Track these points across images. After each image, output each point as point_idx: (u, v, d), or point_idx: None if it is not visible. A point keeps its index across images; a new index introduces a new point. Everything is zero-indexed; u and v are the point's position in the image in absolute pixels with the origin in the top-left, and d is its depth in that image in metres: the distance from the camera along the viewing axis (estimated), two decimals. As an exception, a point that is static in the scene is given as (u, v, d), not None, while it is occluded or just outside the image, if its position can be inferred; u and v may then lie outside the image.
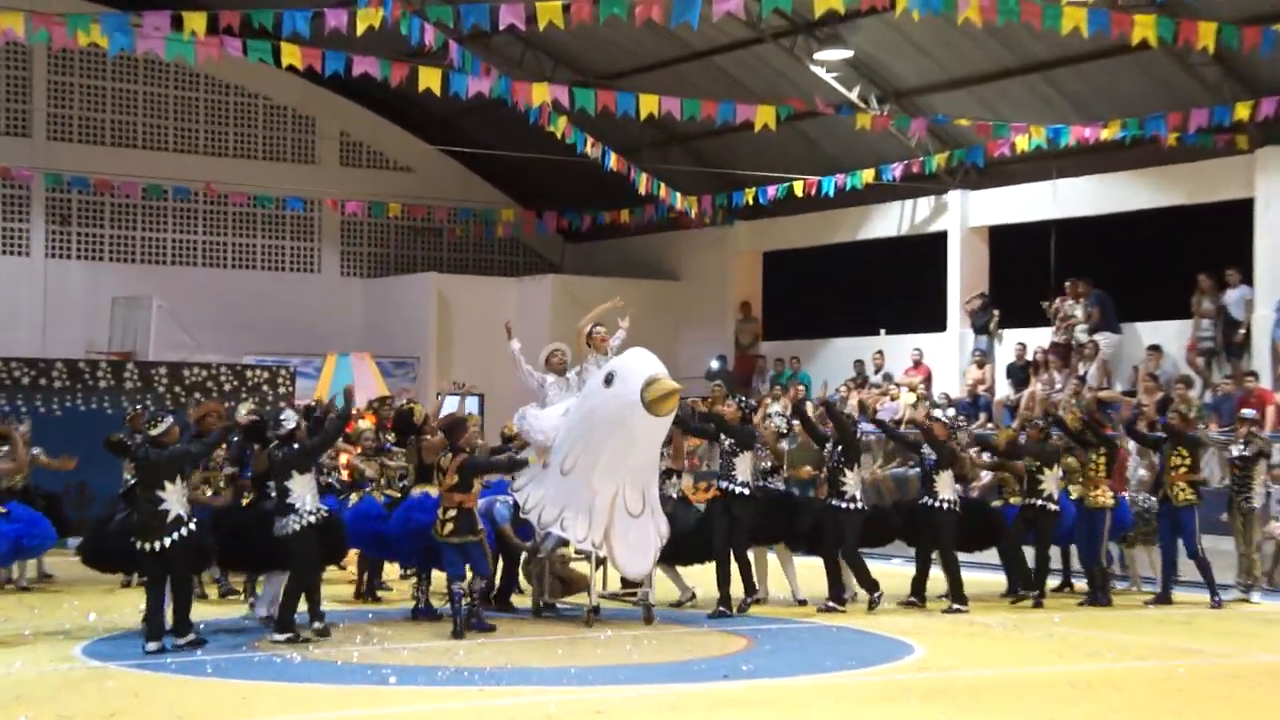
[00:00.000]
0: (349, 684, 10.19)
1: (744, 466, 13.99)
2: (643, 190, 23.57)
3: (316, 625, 12.00)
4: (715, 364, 25.84)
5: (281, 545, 11.93)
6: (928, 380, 23.11)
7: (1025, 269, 23.41)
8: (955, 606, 14.22)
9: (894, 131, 22.39)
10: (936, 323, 23.86)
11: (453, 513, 12.57)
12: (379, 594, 14.85)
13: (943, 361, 23.46)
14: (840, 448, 14.26)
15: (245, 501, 12.91)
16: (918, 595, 14.69)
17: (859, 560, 14.36)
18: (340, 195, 27.10)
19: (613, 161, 22.60)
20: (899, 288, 25.72)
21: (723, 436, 14.16)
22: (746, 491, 13.94)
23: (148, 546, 11.41)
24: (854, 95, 22.21)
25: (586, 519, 13.00)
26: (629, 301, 27.83)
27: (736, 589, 13.94)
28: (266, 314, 27.25)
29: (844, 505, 14.12)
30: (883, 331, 24.89)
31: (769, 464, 14.74)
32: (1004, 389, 22.20)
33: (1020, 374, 21.90)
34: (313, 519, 11.87)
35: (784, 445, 15.00)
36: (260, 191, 26.87)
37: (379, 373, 23.89)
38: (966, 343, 23.23)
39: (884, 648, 12.12)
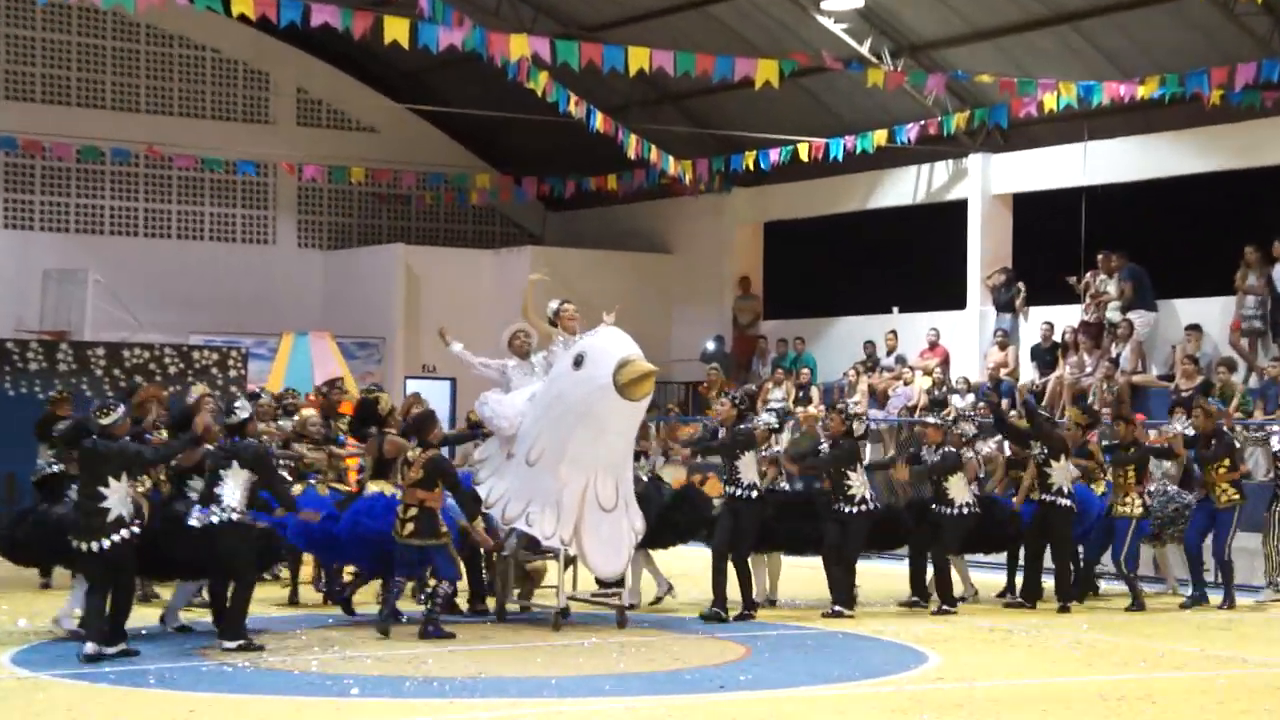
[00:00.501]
0: (307, 695, 10.22)
1: (748, 469, 14.09)
2: (632, 154, 23.56)
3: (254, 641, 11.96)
4: (711, 345, 25.87)
5: (204, 540, 11.89)
6: (945, 363, 23.16)
7: (1053, 240, 23.43)
8: (945, 608, 14.56)
9: (909, 89, 22.40)
10: (955, 300, 23.90)
11: (414, 511, 12.66)
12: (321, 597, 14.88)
13: (962, 342, 23.50)
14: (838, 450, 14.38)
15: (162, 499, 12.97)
16: (919, 593, 14.95)
17: (851, 566, 14.47)
18: (297, 158, 27.07)
19: (599, 122, 22.58)
20: (914, 261, 25.75)
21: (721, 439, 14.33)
22: (755, 494, 14.06)
23: (85, 547, 11.46)
24: (865, 49, 22.22)
25: (554, 514, 13.09)
26: (618, 276, 27.97)
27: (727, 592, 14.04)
28: (215, 289, 27.23)
29: (851, 510, 14.25)
30: (895, 310, 24.93)
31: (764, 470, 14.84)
32: (1029, 372, 22.25)
33: (1047, 356, 21.95)
34: (233, 515, 11.89)
35: (776, 449, 15.11)
36: (208, 154, 26.83)
37: (340, 354, 23.88)
38: (988, 322, 23.28)
39: (895, 656, 12.17)
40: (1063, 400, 20.63)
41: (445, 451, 13.91)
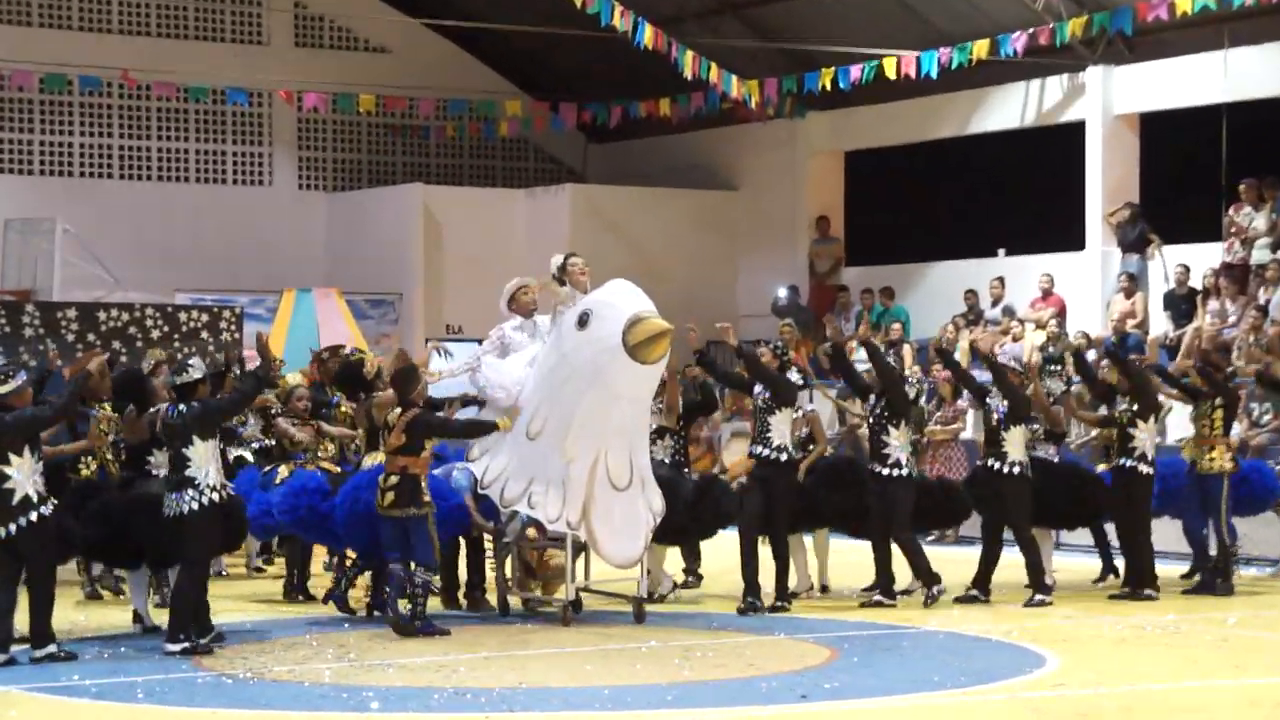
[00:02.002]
0: (319, 710, 10.29)
1: (782, 428, 14.20)
2: (688, 73, 23.47)
3: (200, 641, 12.16)
4: (784, 296, 25.82)
5: (173, 529, 12.11)
6: (1061, 314, 23.03)
7: (1188, 168, 23.22)
8: (1039, 598, 14.59)
9: (1015, -10, 22.26)
10: (1072, 240, 23.76)
11: (394, 479, 12.87)
12: (310, 591, 15.12)
13: (1080, 290, 23.38)
14: (884, 400, 14.50)
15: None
16: (981, 588, 14.95)
17: (912, 543, 14.63)
18: (296, 85, 27.11)
19: (648, 36, 22.51)
20: (1022, 196, 25.60)
21: (757, 388, 14.33)
22: (784, 458, 14.17)
23: None
24: (962, -56, 22.07)
25: (560, 494, 13.23)
26: (673, 218, 27.89)
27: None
28: (204, 240, 27.34)
29: (888, 472, 14.37)
30: (1002, 252, 24.82)
31: (807, 430, 14.98)
32: (1161, 323, 22.11)
33: (1182, 305, 21.80)
34: (216, 496, 12.11)
35: (806, 409, 15.17)
36: (193, 81, 26.90)
37: (350, 314, 23.97)
38: (1111, 265, 23.14)
39: (1007, 658, 12.14)
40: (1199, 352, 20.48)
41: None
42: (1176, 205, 23.05)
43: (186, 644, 12.06)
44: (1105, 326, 22.41)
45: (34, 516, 11.68)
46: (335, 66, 28.38)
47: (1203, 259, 21.98)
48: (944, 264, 25.50)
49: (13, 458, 11.68)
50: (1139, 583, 15.10)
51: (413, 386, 13.15)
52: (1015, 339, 22.65)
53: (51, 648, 11.79)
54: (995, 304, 23.81)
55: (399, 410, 13.09)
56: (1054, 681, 11.30)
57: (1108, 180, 23.35)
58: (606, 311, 13.04)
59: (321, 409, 15.32)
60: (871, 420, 14.64)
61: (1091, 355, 21.19)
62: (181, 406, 12.30)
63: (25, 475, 11.70)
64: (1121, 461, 15.12)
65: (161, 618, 12.98)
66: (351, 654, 12.17)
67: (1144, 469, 15.06)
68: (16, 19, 26.88)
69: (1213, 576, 15.39)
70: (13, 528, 11.64)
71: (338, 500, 13.71)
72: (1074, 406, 15.95)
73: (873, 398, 14.72)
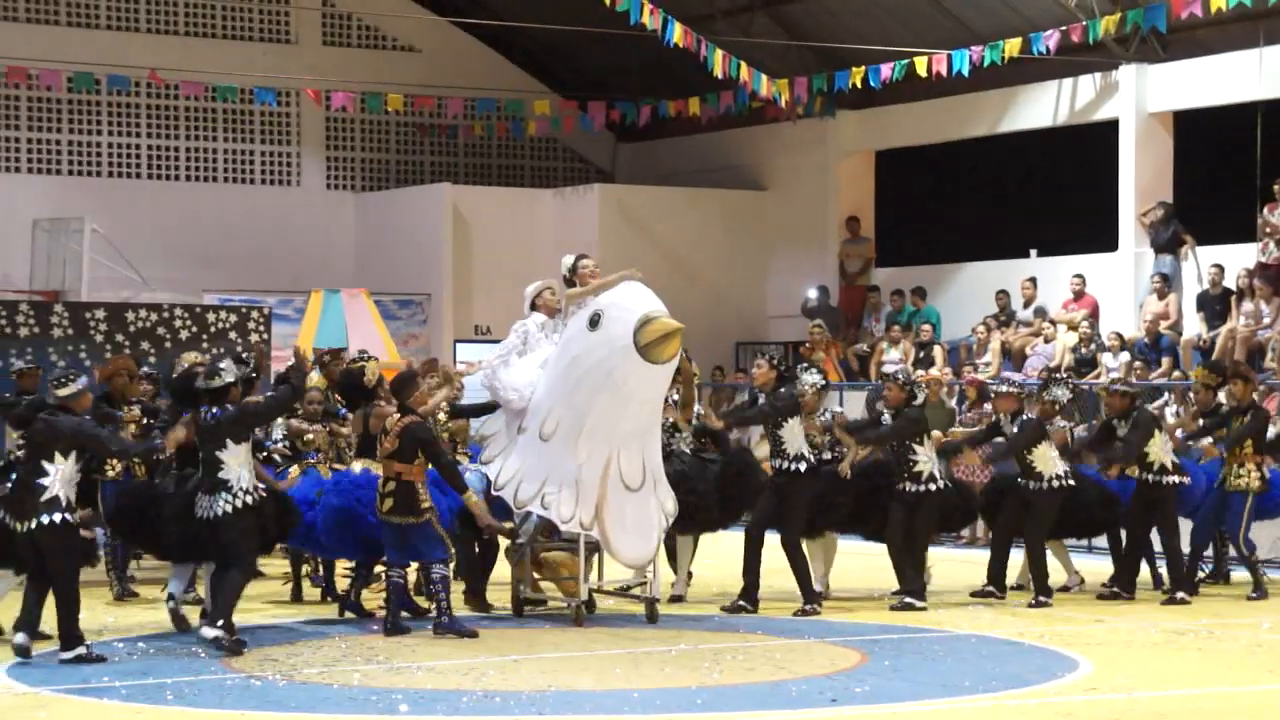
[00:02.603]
0: (348, 713, 10.33)
1: (794, 438, 14.33)
2: (718, 72, 23.47)
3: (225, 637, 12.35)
4: (814, 297, 25.81)
5: (209, 531, 12.40)
6: (1093, 315, 22.99)
7: (1222, 167, 23.15)
8: (1040, 599, 14.85)
9: (1047, -11, 22.22)
10: (1105, 240, 23.71)
11: (391, 485, 13.04)
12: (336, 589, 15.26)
13: (1113, 291, 23.32)
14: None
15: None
16: (997, 585, 15.19)
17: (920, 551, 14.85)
18: (325, 84, 27.18)
19: (678, 35, 22.51)
20: (1055, 196, 25.55)
21: (761, 399, 14.59)
22: (804, 467, 14.31)
23: (19, 527, 11.93)
24: (994, -58, 22.03)
25: (573, 495, 13.38)
26: (702, 218, 28.00)
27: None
28: (231, 240, 27.41)
29: (918, 489, 14.57)
30: (1033, 253, 24.77)
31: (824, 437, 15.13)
32: (1194, 325, 22.05)
33: (1216, 306, 21.74)
34: (249, 499, 12.39)
35: (826, 417, 15.25)
36: (221, 80, 26.97)
37: (378, 314, 24.00)
38: (1144, 266, 23.08)
39: (1039, 662, 12.15)
40: (1235, 357, 20.42)
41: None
42: (1210, 205, 22.97)
43: (222, 632, 12.26)
44: (1138, 328, 22.36)
45: (57, 518, 11.87)
46: (363, 66, 28.44)
47: (1237, 259, 21.92)
48: (975, 265, 25.46)
49: (58, 458, 11.90)
50: (1175, 586, 15.30)
51: (410, 392, 13.28)
52: (1047, 340, 22.63)
53: (80, 649, 11.92)
54: (1027, 305, 23.77)
55: (397, 415, 13.22)
56: (1086, 686, 11.29)
57: (1141, 180, 23.28)
58: (617, 313, 13.21)
59: (328, 418, 15.37)
60: (895, 444, 14.77)
61: (1123, 357, 21.24)
62: (215, 410, 12.50)
63: (62, 481, 11.90)
64: (1144, 476, 15.35)
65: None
66: (380, 656, 12.21)
67: (1167, 479, 15.29)
68: (45, 19, 26.98)
69: (1194, 584, 15.57)
70: (34, 523, 11.86)
71: (317, 509, 13.78)
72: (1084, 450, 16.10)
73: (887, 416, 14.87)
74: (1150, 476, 15.33)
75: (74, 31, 27.02)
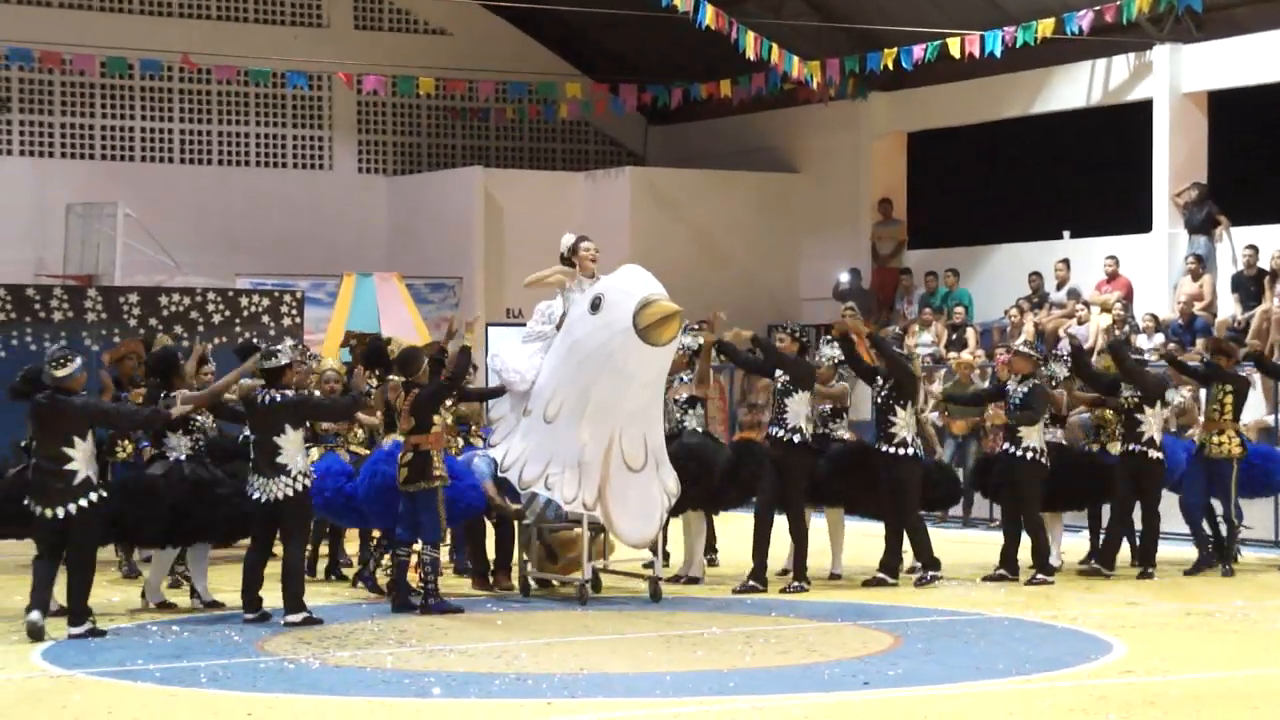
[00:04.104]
0: (381, 696, 10.33)
1: (799, 409, 14.50)
2: (750, 54, 23.43)
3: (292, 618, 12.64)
4: (846, 279, 25.76)
5: (269, 513, 12.70)
6: (1128, 296, 22.90)
7: (1257, 147, 23.05)
8: (1040, 577, 15.03)
9: (1081, -32, 22.13)
10: (1138, 221, 23.63)
11: (409, 456, 13.35)
12: (343, 571, 15.71)
13: (1147, 272, 23.25)
14: (891, 381, 14.89)
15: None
16: (1008, 567, 15.31)
17: (919, 525, 15.09)
18: (356, 68, 27.20)
19: (709, 17, 22.47)
20: (1088, 177, 25.46)
21: (776, 372, 14.68)
22: (798, 439, 14.46)
23: (47, 513, 12.05)
24: (1027, -79, 21.95)
25: (576, 476, 13.61)
26: (734, 200, 27.95)
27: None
28: (264, 224, 27.47)
29: (895, 451, 14.77)
30: (1066, 234, 24.70)
31: (828, 406, 15.41)
32: (1228, 306, 21.97)
33: (1251, 286, 21.65)
34: (307, 482, 12.74)
35: (845, 384, 15.57)
36: (253, 64, 27.01)
37: (410, 298, 24.02)
38: (1178, 247, 23.00)
39: (1073, 645, 12.12)
40: (1270, 339, 20.35)
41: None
42: (1245, 185, 22.88)
43: (307, 613, 12.64)
44: (1172, 309, 22.28)
45: (93, 498, 12.08)
46: (395, 49, 28.45)
47: (1272, 240, 21.81)
48: (1008, 246, 25.40)
49: (77, 441, 12.07)
50: (1144, 560, 15.69)
51: (415, 368, 13.57)
52: (1080, 322, 22.56)
53: (89, 623, 12.19)
54: (1060, 287, 23.70)
55: (404, 394, 13.53)
56: (1121, 668, 11.26)
57: (1175, 160, 23.19)
58: (617, 296, 13.38)
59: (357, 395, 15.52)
60: (879, 401, 14.99)
61: (1158, 339, 21.17)
62: (274, 394, 12.71)
63: (85, 459, 12.10)
64: (1130, 447, 15.53)
65: (176, 596, 13.84)
66: (413, 639, 12.24)
67: (1153, 453, 15.47)
68: (78, 3, 27.04)
69: (1210, 556, 15.90)
70: (71, 508, 12.03)
71: (359, 479, 14.08)
72: (1071, 388, 16.13)
73: (880, 379, 15.02)
74: (1137, 448, 15.46)
75: (107, 16, 27.08)
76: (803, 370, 14.61)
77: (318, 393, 14.73)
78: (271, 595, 13.08)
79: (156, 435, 13.60)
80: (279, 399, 12.72)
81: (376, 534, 14.69)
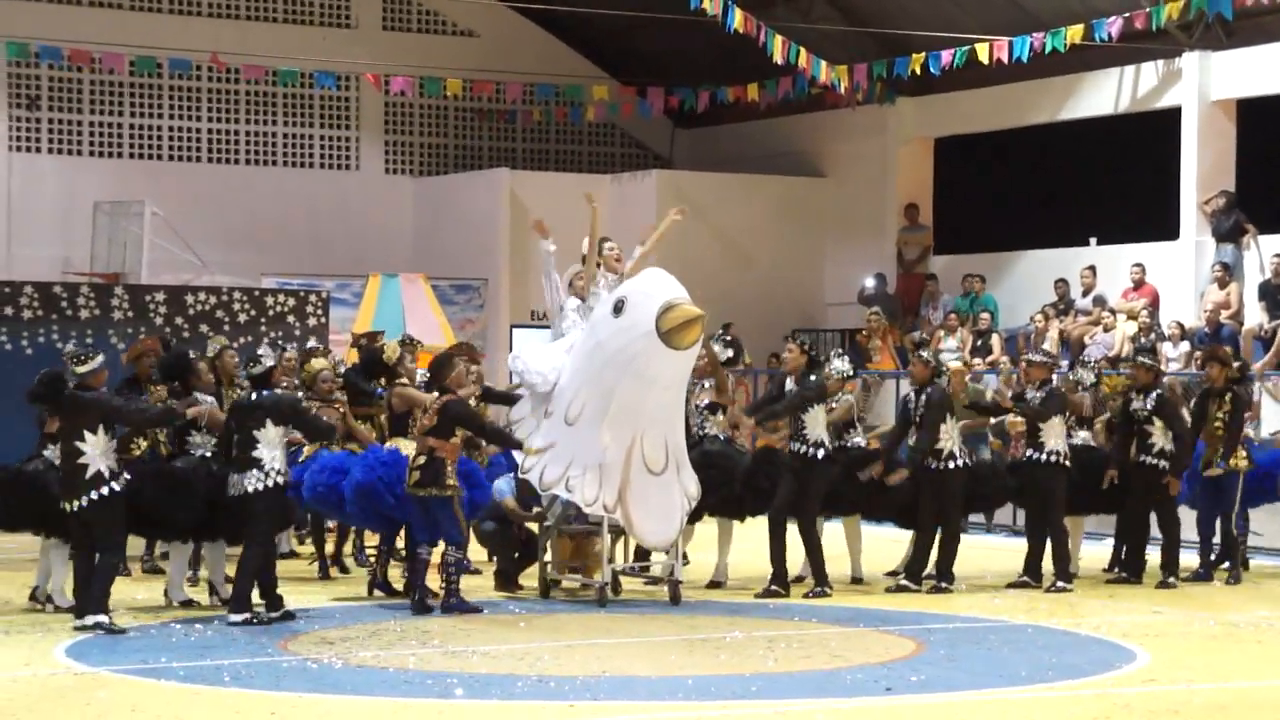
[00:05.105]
0: (404, 696, 10.37)
1: (816, 423, 14.57)
2: (777, 58, 23.43)
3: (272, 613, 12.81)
4: (872, 284, 25.75)
5: (237, 508, 12.84)
6: (1154, 304, 22.87)
7: (1286, 156, 23.02)
8: (1060, 585, 15.06)
9: (1110, -25, 22.10)
10: (1165, 229, 23.58)
11: (422, 460, 13.39)
12: (345, 566, 16.00)
13: (1174, 280, 23.20)
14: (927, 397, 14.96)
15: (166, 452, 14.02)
16: (1032, 574, 15.35)
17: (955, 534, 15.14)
18: (384, 68, 27.26)
19: (737, 21, 22.49)
20: (1115, 183, 25.43)
21: (788, 384, 14.83)
22: (822, 454, 14.57)
23: (67, 506, 12.42)
24: (1056, -73, 21.92)
25: (596, 478, 13.66)
26: (760, 204, 27.90)
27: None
28: (290, 224, 27.53)
29: (938, 466, 14.82)
30: (1093, 241, 24.66)
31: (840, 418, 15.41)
32: (1255, 314, 21.92)
33: (1278, 295, 21.60)
34: (280, 479, 12.83)
35: (849, 397, 15.56)
36: (281, 64, 27.09)
37: (435, 299, 24.09)
38: (1205, 255, 22.95)
39: (1096, 653, 12.11)
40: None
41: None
42: (1273, 194, 22.82)
43: (249, 615, 12.68)
44: (1199, 317, 22.23)
45: (105, 491, 12.36)
46: (422, 50, 28.50)
47: (1299, 249, 21.79)
48: (1034, 253, 25.36)
49: (88, 435, 12.37)
50: (1166, 570, 15.62)
51: (447, 373, 13.64)
52: (1106, 329, 22.53)
53: (102, 617, 12.38)
54: (1086, 294, 23.66)
55: (436, 394, 13.62)
56: (1144, 677, 11.25)
57: (1203, 168, 23.15)
58: (640, 299, 13.46)
59: (362, 398, 15.64)
60: (919, 419, 14.97)
61: (1184, 347, 21.14)
62: (257, 392, 12.95)
63: (99, 452, 12.39)
64: (1141, 458, 15.59)
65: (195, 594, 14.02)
66: (435, 640, 12.27)
67: (1164, 464, 15.52)
68: (108, 2, 27.13)
69: (1211, 567, 15.98)
70: (85, 500, 12.34)
71: (349, 477, 14.17)
72: (1097, 396, 16.32)
73: (917, 395, 15.10)
74: (1149, 459, 15.52)
75: (136, 15, 27.17)
76: (812, 392, 14.59)
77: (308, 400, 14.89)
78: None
79: (180, 434, 13.71)
80: (264, 395, 12.90)
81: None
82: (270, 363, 13.17)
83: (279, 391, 13.23)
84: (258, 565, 12.88)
